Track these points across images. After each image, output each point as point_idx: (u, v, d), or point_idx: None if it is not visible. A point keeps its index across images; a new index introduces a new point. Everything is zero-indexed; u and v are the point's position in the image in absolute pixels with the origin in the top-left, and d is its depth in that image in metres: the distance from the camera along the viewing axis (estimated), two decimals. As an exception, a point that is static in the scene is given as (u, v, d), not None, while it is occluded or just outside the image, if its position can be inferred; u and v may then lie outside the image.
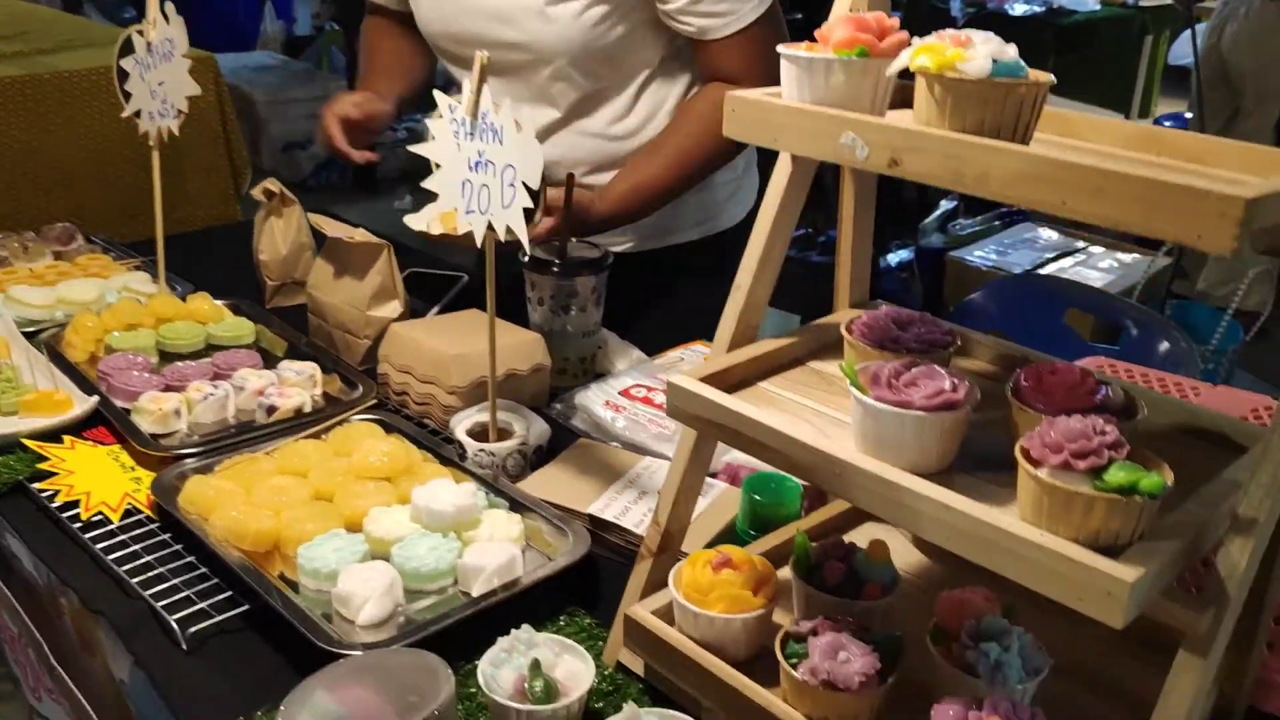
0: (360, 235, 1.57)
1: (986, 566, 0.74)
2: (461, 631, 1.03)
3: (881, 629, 0.90)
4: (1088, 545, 0.70)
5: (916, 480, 0.78)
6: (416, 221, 1.71)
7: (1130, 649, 0.99)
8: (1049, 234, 4.23)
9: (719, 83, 1.62)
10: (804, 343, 1.02)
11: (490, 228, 1.16)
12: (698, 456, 1.00)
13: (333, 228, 1.61)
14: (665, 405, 0.95)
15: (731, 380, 0.95)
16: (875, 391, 0.81)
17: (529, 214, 1.12)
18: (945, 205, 4.37)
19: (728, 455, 1.32)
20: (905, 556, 1.10)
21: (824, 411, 0.92)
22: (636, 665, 1.02)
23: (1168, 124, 5.17)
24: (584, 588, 1.15)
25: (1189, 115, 4.76)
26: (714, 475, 1.30)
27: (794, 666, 0.87)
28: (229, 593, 1.10)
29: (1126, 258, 4.01)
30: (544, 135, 1.68)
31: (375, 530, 1.15)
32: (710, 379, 0.93)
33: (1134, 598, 0.68)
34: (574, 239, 1.56)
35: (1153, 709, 0.74)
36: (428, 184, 1.21)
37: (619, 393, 1.44)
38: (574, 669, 0.96)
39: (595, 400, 1.43)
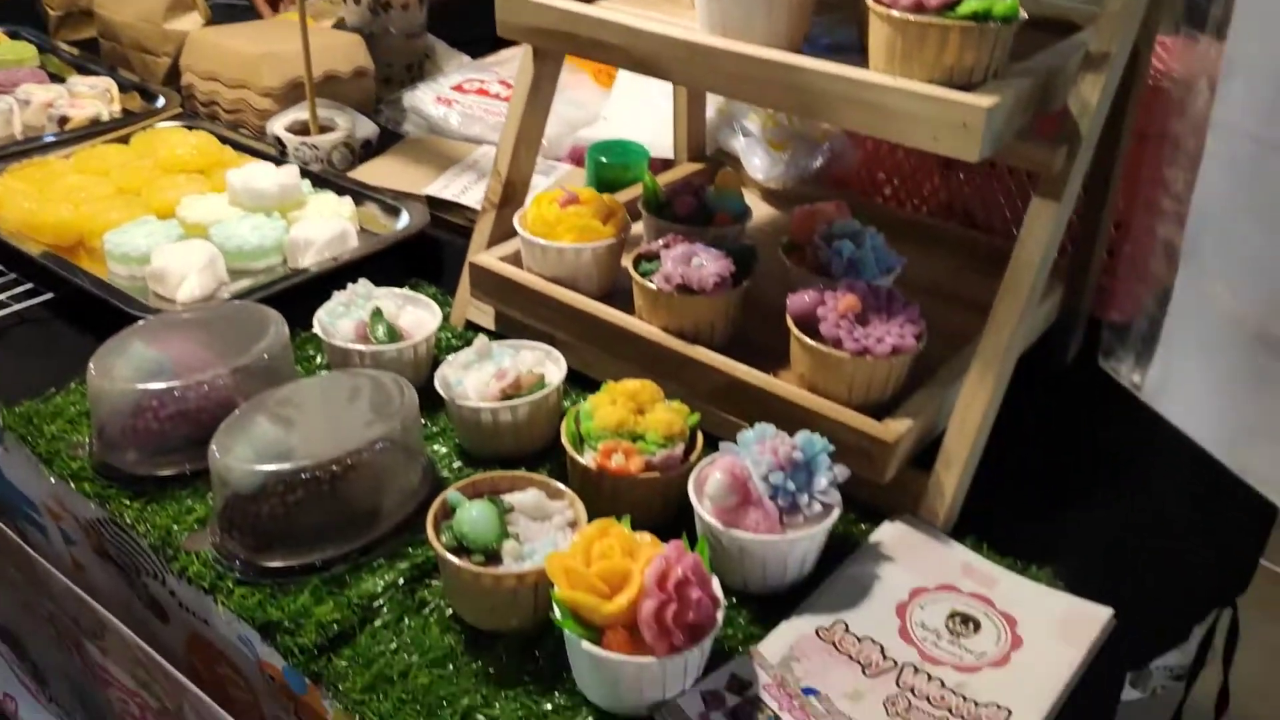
0: (147, -67, 1.41)
1: (841, 125, 0.71)
2: (295, 303, 0.95)
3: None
4: (942, 84, 0.68)
5: (766, 50, 0.73)
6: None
7: (977, 266, 0.99)
8: None
9: None
10: (642, -32, 0.95)
11: None
12: (537, 91, 0.93)
13: (115, -70, 1.44)
14: (496, 25, 0.88)
15: (566, -2, 0.88)
16: (719, -36, 0.76)
17: None
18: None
19: (570, 138, 1.26)
20: (755, 206, 1.07)
21: (669, 20, 0.86)
22: (486, 320, 0.98)
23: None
24: (426, 265, 1.09)
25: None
26: (558, 159, 1.24)
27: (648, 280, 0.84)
28: (28, 285, 1.00)
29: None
30: None
31: (190, 215, 1.05)
32: (542, -7, 0.86)
33: (990, 128, 0.66)
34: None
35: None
36: None
37: (451, 89, 1.35)
38: (419, 317, 0.91)
39: (425, 99, 1.34)
